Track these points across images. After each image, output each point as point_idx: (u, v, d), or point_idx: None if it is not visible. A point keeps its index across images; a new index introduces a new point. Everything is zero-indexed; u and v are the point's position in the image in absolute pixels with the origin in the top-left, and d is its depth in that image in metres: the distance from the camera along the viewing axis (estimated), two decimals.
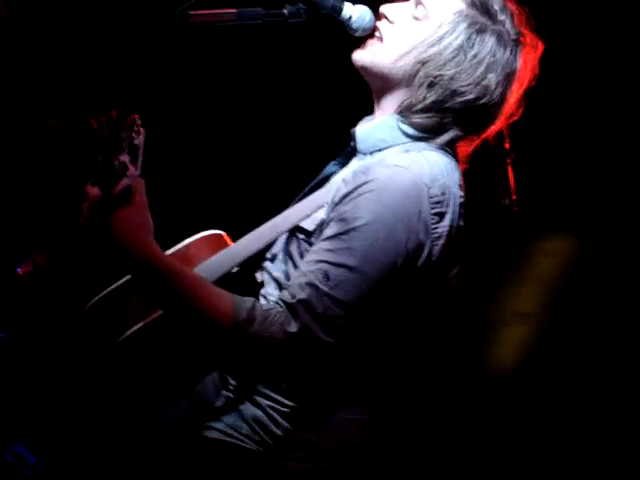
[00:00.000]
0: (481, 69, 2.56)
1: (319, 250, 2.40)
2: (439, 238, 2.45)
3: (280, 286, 2.51)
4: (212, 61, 4.68)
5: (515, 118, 2.68)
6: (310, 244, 2.47)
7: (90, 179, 2.30)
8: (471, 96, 2.55)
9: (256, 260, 2.60)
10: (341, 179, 2.52)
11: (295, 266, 2.50)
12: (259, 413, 2.47)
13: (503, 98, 2.60)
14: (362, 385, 2.54)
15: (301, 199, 2.64)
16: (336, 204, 2.44)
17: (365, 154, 2.61)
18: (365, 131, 2.64)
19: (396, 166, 2.45)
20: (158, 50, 4.13)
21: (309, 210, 2.52)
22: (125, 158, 2.22)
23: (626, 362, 4.45)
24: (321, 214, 2.49)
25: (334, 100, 4.55)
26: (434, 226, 2.45)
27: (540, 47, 2.67)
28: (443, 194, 2.46)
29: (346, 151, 2.72)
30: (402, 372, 2.62)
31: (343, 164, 2.69)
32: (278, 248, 2.58)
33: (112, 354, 2.49)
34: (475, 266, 4.36)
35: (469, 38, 2.56)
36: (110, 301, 2.55)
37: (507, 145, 4.32)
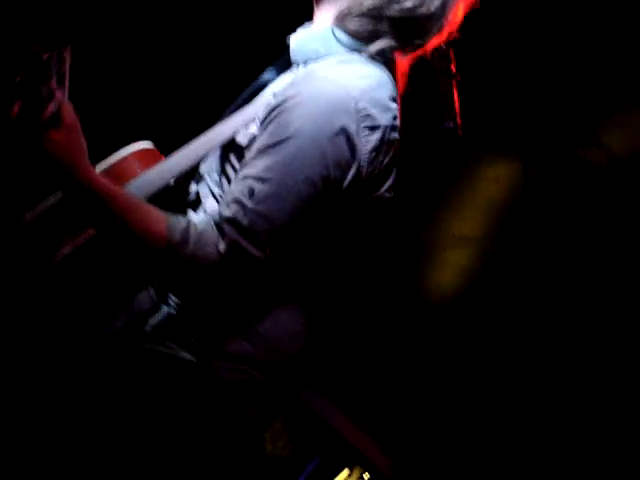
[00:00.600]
0: None
1: (246, 165, 2.37)
2: (369, 152, 2.41)
3: (218, 201, 2.49)
4: None
5: (454, 36, 2.63)
6: (242, 159, 2.43)
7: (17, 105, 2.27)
8: (408, 3, 2.49)
9: (191, 174, 2.56)
10: (272, 92, 2.47)
11: (229, 182, 2.47)
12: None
13: (442, 11, 2.53)
14: (296, 296, 2.53)
15: (234, 111, 2.59)
16: (264, 118, 2.40)
17: (297, 65, 2.55)
18: (299, 41, 2.57)
19: (324, 79, 2.39)
20: None
21: (241, 123, 2.48)
22: (52, 84, 2.24)
23: (565, 286, 4.48)
24: (253, 128, 2.45)
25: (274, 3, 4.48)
26: (363, 140, 2.39)
27: None
28: (374, 107, 2.40)
29: (282, 60, 2.65)
30: (335, 284, 2.62)
31: (278, 74, 2.63)
32: (213, 162, 2.54)
33: (48, 271, 2.47)
34: (414, 188, 4.35)
35: None
36: (46, 217, 2.52)
37: (453, 68, 4.28)
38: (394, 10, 2.49)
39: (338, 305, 2.70)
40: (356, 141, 2.38)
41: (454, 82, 4.28)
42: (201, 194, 2.53)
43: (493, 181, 4.54)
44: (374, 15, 2.50)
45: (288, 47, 2.61)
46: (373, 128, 2.40)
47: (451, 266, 4.58)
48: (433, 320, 4.57)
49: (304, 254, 2.48)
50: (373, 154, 2.41)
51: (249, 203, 2.31)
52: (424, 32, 2.55)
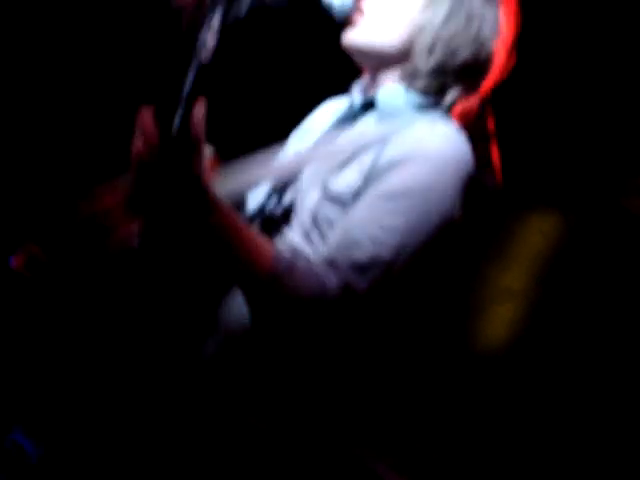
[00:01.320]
0: (474, 25, 2.64)
1: (364, 212, 2.43)
2: (470, 204, 2.59)
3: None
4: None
5: (506, 75, 2.72)
6: (341, 211, 2.50)
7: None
8: (469, 54, 2.63)
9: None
10: (369, 143, 2.54)
11: (321, 234, 2.52)
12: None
13: (493, 54, 2.69)
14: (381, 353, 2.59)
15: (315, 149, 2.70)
16: (380, 168, 2.47)
17: (383, 116, 2.64)
18: (383, 97, 2.66)
19: (442, 137, 2.53)
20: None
21: (332, 163, 2.55)
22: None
23: (615, 339, 4.46)
24: (353, 177, 2.51)
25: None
26: (468, 198, 2.57)
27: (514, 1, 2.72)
28: (473, 166, 2.59)
29: (346, 111, 2.75)
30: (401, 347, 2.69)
31: (343, 124, 2.72)
32: (293, 207, 2.61)
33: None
34: (463, 245, 4.39)
35: None
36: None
37: (491, 125, 4.33)
38: (457, 62, 2.63)
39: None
40: (466, 198, 2.56)
41: (492, 138, 4.33)
42: (284, 233, 2.58)
43: (537, 233, 4.56)
44: (440, 72, 2.64)
45: (353, 100, 2.73)
46: (474, 182, 2.59)
47: (500, 319, 4.59)
48: (484, 372, 4.56)
49: (405, 308, 2.57)
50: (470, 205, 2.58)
51: (369, 246, 2.37)
52: (483, 75, 2.72)
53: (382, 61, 2.68)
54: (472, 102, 2.74)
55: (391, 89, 2.67)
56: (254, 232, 2.39)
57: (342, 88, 2.85)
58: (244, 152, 2.63)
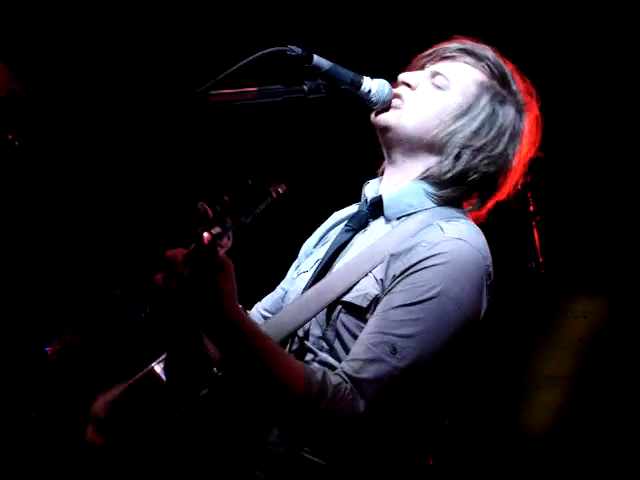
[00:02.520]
0: (504, 140, 2.62)
1: (382, 322, 2.41)
2: (488, 304, 2.52)
3: (326, 366, 2.49)
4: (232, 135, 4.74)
5: (527, 179, 2.72)
6: (361, 321, 2.48)
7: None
8: (493, 168, 2.61)
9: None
10: (385, 249, 2.52)
11: (343, 345, 2.50)
12: None
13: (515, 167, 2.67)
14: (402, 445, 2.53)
15: (326, 266, 2.66)
16: (395, 276, 2.45)
17: (391, 219, 2.63)
18: (392, 196, 2.65)
19: (456, 239, 2.47)
20: (182, 129, 4.18)
21: (350, 281, 2.52)
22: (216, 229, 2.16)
23: None
24: (368, 287, 2.50)
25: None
26: (488, 295, 2.51)
27: (538, 114, 2.71)
28: (491, 263, 2.52)
29: (356, 216, 2.74)
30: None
31: (357, 229, 2.70)
32: (310, 323, 2.57)
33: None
34: (505, 330, 4.34)
35: (494, 110, 2.63)
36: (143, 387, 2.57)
37: (531, 208, 4.32)
38: (481, 174, 2.61)
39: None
40: (486, 297, 2.50)
41: (533, 222, 4.32)
42: (310, 350, 2.55)
43: (580, 317, 4.52)
44: (463, 181, 2.61)
45: (365, 203, 2.71)
46: (492, 282, 2.52)
47: (544, 405, 4.54)
48: (531, 454, 4.51)
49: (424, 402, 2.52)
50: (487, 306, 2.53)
51: (392, 360, 2.36)
52: (503, 185, 2.67)
53: (406, 148, 2.66)
54: (483, 212, 2.69)
55: (395, 188, 2.66)
56: (285, 352, 2.42)
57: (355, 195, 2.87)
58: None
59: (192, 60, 4.53)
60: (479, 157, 2.59)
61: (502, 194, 2.69)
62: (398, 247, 2.50)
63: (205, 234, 2.13)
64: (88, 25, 4.47)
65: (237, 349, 2.30)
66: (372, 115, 2.69)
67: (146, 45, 4.60)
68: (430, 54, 2.74)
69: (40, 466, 4.13)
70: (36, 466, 4.14)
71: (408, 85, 2.68)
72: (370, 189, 2.75)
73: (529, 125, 2.69)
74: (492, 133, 2.61)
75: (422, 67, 2.74)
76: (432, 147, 2.63)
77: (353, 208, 2.85)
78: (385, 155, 2.74)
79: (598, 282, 4.57)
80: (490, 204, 2.69)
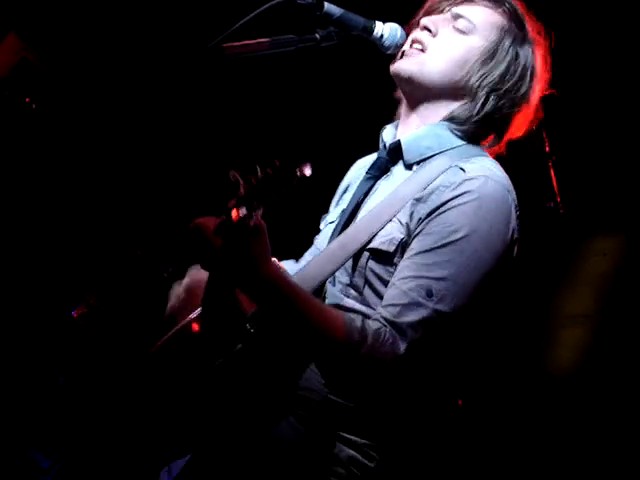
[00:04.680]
0: (525, 82, 2.66)
1: (414, 266, 2.44)
2: (519, 238, 2.54)
3: (356, 313, 2.50)
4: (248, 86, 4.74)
5: (541, 116, 2.75)
6: (389, 266, 2.50)
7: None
8: (515, 109, 2.66)
9: None
10: (407, 194, 2.53)
11: (374, 291, 2.52)
12: (353, 453, 2.48)
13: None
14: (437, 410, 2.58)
15: (351, 215, 2.67)
16: (420, 219, 2.48)
17: (411, 164, 2.64)
18: (410, 140, 2.66)
19: (478, 177, 2.49)
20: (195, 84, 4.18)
21: (375, 228, 2.53)
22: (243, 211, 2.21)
23: None
24: (394, 232, 2.51)
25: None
26: (518, 228, 2.53)
27: (547, 45, 2.74)
28: (516, 197, 2.54)
29: (376, 162, 2.76)
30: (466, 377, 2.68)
31: (378, 176, 2.71)
32: (338, 271, 2.58)
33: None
34: (528, 271, 4.35)
35: (517, 53, 2.66)
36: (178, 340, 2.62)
37: (547, 148, 4.31)
38: (507, 109, 2.65)
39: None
40: (516, 231, 2.52)
41: (550, 162, 4.31)
42: (338, 298, 2.57)
43: (600, 254, 4.51)
44: (491, 119, 2.65)
45: (383, 148, 2.73)
46: (519, 215, 2.54)
47: (568, 343, 4.54)
48: (554, 393, 4.53)
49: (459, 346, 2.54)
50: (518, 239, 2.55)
51: (429, 303, 2.39)
52: (520, 123, 2.71)
53: (428, 94, 2.66)
54: (501, 148, 2.72)
55: (413, 133, 2.67)
56: (322, 303, 2.46)
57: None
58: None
59: (202, 14, 4.53)
60: (504, 99, 2.63)
61: (519, 131, 2.72)
62: (421, 191, 2.51)
63: (233, 212, 2.18)
64: None
65: (275, 305, 2.35)
66: (391, 65, 2.69)
67: (154, 3, 4.60)
68: None
69: (71, 429, 4.17)
70: (67, 429, 4.18)
71: (429, 30, 2.68)
72: (388, 134, 2.76)
73: (540, 61, 2.71)
74: (516, 76, 2.64)
75: (441, 10, 2.73)
76: (458, 92, 2.65)
77: (375, 154, 2.85)
78: (405, 101, 2.74)
79: (615, 219, 4.56)
80: (505, 140, 2.71)
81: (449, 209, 2.45)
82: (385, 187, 2.67)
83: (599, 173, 4.62)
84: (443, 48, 2.65)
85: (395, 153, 2.69)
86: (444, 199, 2.46)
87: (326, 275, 2.55)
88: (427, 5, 2.77)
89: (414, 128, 2.69)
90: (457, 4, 2.71)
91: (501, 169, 2.58)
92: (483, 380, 4.32)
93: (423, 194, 2.50)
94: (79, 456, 4.11)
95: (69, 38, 4.38)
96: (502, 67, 2.63)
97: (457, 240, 2.42)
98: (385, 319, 2.39)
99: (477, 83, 2.62)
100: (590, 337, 4.54)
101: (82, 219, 4.69)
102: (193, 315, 2.62)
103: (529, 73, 2.66)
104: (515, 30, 2.67)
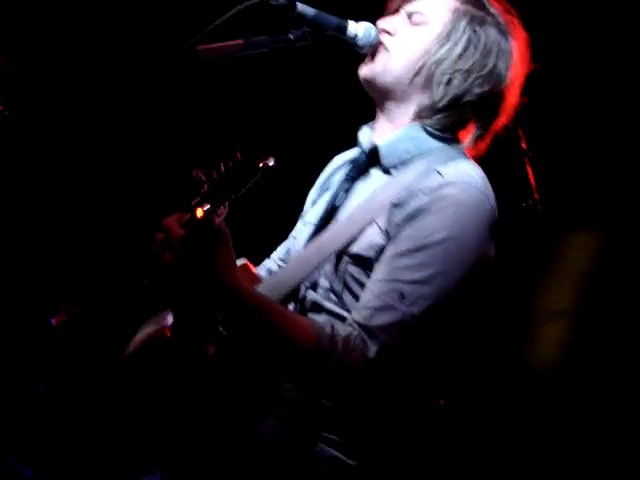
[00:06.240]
0: (491, 58, 2.63)
1: (389, 269, 2.43)
2: (494, 242, 2.53)
3: (336, 317, 2.51)
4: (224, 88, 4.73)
5: (517, 108, 2.72)
6: (368, 271, 2.49)
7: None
8: (486, 87, 2.62)
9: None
10: (385, 199, 2.52)
11: (353, 295, 2.52)
12: (335, 452, 2.48)
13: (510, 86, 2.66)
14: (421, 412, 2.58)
15: (326, 217, 2.67)
16: (398, 224, 2.46)
17: (389, 168, 2.62)
18: (387, 144, 2.65)
19: (456, 182, 2.48)
20: (170, 85, 4.17)
21: (354, 230, 2.53)
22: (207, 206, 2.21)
23: None
24: (373, 237, 2.50)
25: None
26: (493, 232, 2.52)
27: (525, 35, 2.73)
28: (494, 199, 2.53)
29: (354, 164, 2.75)
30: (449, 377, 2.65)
31: (355, 177, 2.71)
32: (318, 275, 2.58)
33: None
34: (507, 268, 4.35)
35: (474, 31, 2.64)
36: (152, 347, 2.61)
37: (524, 145, 4.31)
38: (475, 95, 2.62)
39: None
40: (492, 235, 2.51)
41: (526, 159, 4.31)
42: (307, 307, 2.57)
43: (579, 250, 4.52)
44: (457, 105, 2.62)
45: (361, 151, 2.72)
46: (496, 220, 2.52)
47: (549, 340, 4.55)
48: (535, 390, 4.54)
49: (440, 358, 2.54)
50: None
51: (401, 306, 2.38)
52: (499, 108, 2.68)
53: (395, 95, 2.66)
54: (486, 141, 2.70)
55: (398, 134, 2.64)
56: (290, 312, 2.45)
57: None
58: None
59: (175, 16, 4.52)
60: (470, 78, 2.61)
61: (503, 116, 2.69)
62: (398, 196, 2.50)
63: (198, 210, 2.17)
64: None
65: (240, 315, 2.34)
66: (358, 71, 2.69)
67: (128, 4, 4.58)
68: None
69: (52, 436, 4.15)
70: (48, 436, 4.16)
71: (387, 32, 2.68)
72: (364, 135, 2.75)
73: (518, 44, 2.69)
74: (478, 53, 2.62)
75: (397, 10, 2.73)
76: (423, 83, 2.64)
77: (353, 152, 2.84)
78: (377, 105, 2.73)
79: (594, 215, 4.58)
80: (492, 130, 2.69)
81: (426, 214, 2.44)
82: (363, 189, 2.67)
83: (576, 169, 4.63)
84: (403, 44, 2.65)
85: (373, 156, 2.68)
86: (420, 204, 2.45)
87: (301, 278, 2.54)
88: (387, 6, 2.77)
89: (389, 131, 2.67)
90: (409, 1, 2.71)
91: (480, 172, 2.56)
92: (464, 378, 4.32)
93: (400, 199, 2.49)
94: (61, 464, 4.10)
95: (40, 40, 4.36)
96: (459, 47, 2.61)
97: (432, 244, 2.41)
98: (357, 323, 2.39)
99: (434, 66, 2.61)
100: (570, 333, 4.55)
101: (60, 226, 4.67)
102: (166, 322, 2.61)
103: (495, 50, 2.63)
104: (472, 10, 2.66)
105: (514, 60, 2.67)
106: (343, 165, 2.85)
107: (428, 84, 2.63)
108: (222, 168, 2.19)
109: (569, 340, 4.54)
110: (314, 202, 2.87)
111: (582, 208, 4.59)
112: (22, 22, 4.38)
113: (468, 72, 2.61)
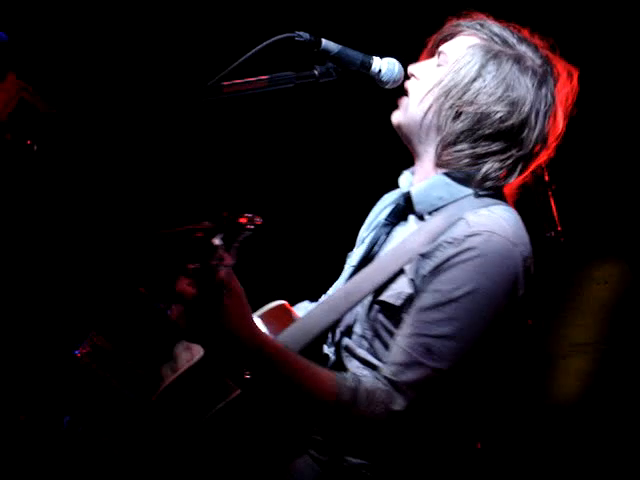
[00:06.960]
0: (502, 88, 2.56)
1: (416, 323, 2.42)
2: (527, 290, 2.51)
3: (367, 364, 2.52)
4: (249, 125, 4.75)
5: (557, 143, 2.67)
6: (397, 319, 2.48)
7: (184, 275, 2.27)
8: (497, 115, 2.55)
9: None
10: (415, 248, 2.50)
11: (382, 342, 2.51)
12: None
13: (542, 122, 2.59)
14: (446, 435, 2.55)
15: (365, 261, 2.67)
16: (425, 276, 2.45)
17: (423, 214, 2.62)
18: (420, 191, 2.63)
19: (482, 232, 2.44)
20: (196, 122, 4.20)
21: (381, 278, 2.51)
22: (221, 251, 2.20)
23: None
24: (402, 286, 2.49)
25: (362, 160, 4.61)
26: (525, 282, 2.50)
27: (575, 74, 2.68)
28: (529, 249, 2.51)
29: (394, 209, 2.74)
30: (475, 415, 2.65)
31: (396, 222, 2.70)
32: (353, 320, 2.59)
33: (197, 430, 2.52)
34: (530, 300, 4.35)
35: (485, 63, 2.58)
36: (181, 386, 2.61)
37: (547, 177, 4.32)
38: (487, 126, 2.56)
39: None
40: (522, 285, 2.48)
41: (549, 191, 4.32)
42: (342, 356, 2.58)
43: (602, 282, 4.51)
44: (470, 138, 2.57)
45: (399, 197, 2.71)
46: (530, 268, 2.51)
47: (572, 373, 4.53)
48: (560, 422, 4.51)
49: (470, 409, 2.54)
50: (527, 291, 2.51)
51: (429, 362, 2.37)
52: (522, 141, 2.59)
53: (419, 137, 2.64)
54: (527, 176, 2.66)
55: (422, 183, 2.62)
56: (311, 363, 2.39)
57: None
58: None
59: (200, 53, 4.55)
60: (479, 109, 2.55)
61: (541, 148, 2.62)
62: (426, 246, 2.48)
63: (194, 266, 2.18)
64: (93, 22, 4.49)
65: (258, 367, 2.32)
66: (391, 118, 2.69)
67: (152, 42, 4.62)
68: (437, 37, 2.75)
69: (75, 467, 4.16)
70: (72, 467, 4.17)
71: (415, 76, 2.70)
72: (404, 180, 2.75)
73: (558, 84, 2.63)
74: (486, 83, 2.56)
75: (433, 51, 2.73)
76: (435, 121, 2.61)
77: (399, 192, 2.82)
78: (411, 151, 2.73)
79: (616, 247, 4.56)
80: (531, 164, 2.63)
81: (451, 266, 2.42)
82: (400, 235, 2.66)
83: (599, 201, 4.63)
84: (422, 86, 2.65)
85: (409, 202, 2.67)
86: (447, 256, 2.43)
87: (328, 324, 2.53)
88: (427, 46, 2.77)
89: (423, 176, 2.66)
90: (442, 42, 2.71)
91: (512, 217, 2.52)
92: (494, 418, 4.32)
93: (428, 250, 2.47)
94: None
95: (70, 77, 4.41)
96: (466, 79, 2.57)
97: (458, 298, 2.39)
98: (385, 377, 2.38)
99: (442, 100, 2.59)
100: (592, 366, 4.53)
101: (82, 260, 4.70)
102: (193, 361, 2.62)
103: (506, 81, 2.56)
104: (489, 46, 2.61)
105: (546, 98, 2.59)
106: (390, 204, 2.83)
107: (439, 121, 2.60)
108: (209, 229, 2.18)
109: (591, 372, 4.52)
110: (362, 240, 2.86)
111: (604, 240, 4.58)
112: (58, 64, 4.43)
113: (474, 103, 2.56)
